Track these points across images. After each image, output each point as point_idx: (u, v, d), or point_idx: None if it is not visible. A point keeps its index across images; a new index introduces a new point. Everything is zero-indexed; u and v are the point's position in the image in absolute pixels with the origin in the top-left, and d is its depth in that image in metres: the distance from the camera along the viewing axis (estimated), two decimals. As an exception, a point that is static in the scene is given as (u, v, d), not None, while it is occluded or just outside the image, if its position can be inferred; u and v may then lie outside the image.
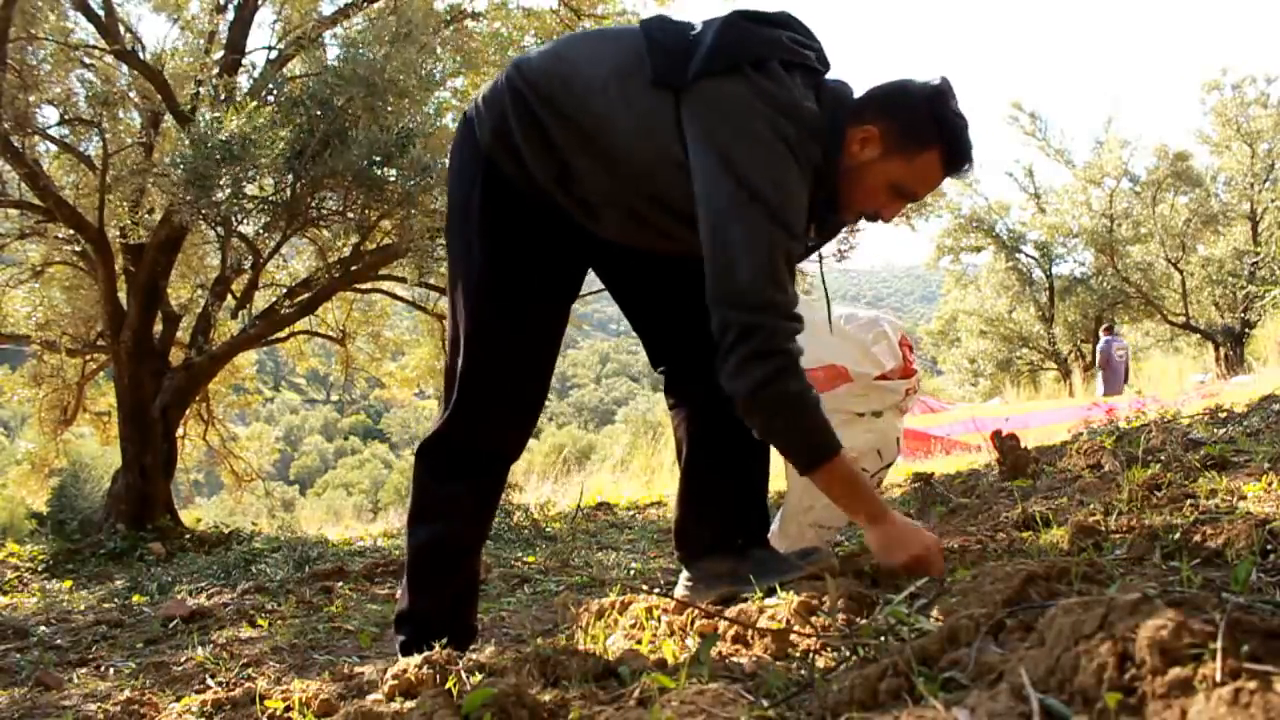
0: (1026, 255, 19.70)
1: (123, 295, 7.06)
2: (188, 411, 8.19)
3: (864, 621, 1.36)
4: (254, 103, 5.52)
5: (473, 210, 1.78)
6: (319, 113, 5.62)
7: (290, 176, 5.68)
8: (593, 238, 1.79)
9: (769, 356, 1.58)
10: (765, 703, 1.09)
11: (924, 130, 1.67)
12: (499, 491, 1.92)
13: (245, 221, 6.23)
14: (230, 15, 7.06)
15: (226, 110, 5.43)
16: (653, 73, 1.64)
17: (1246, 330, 16.91)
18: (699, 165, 1.60)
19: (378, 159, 5.62)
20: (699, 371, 1.81)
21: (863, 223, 2.01)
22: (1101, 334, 14.03)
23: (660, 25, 1.72)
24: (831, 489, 1.71)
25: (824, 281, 1.91)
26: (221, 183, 5.36)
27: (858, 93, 1.75)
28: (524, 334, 1.78)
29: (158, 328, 7.21)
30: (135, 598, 4.13)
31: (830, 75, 1.76)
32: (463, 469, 1.84)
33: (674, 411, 1.97)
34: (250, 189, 5.75)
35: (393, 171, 5.75)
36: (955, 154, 1.69)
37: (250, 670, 2.24)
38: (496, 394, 1.79)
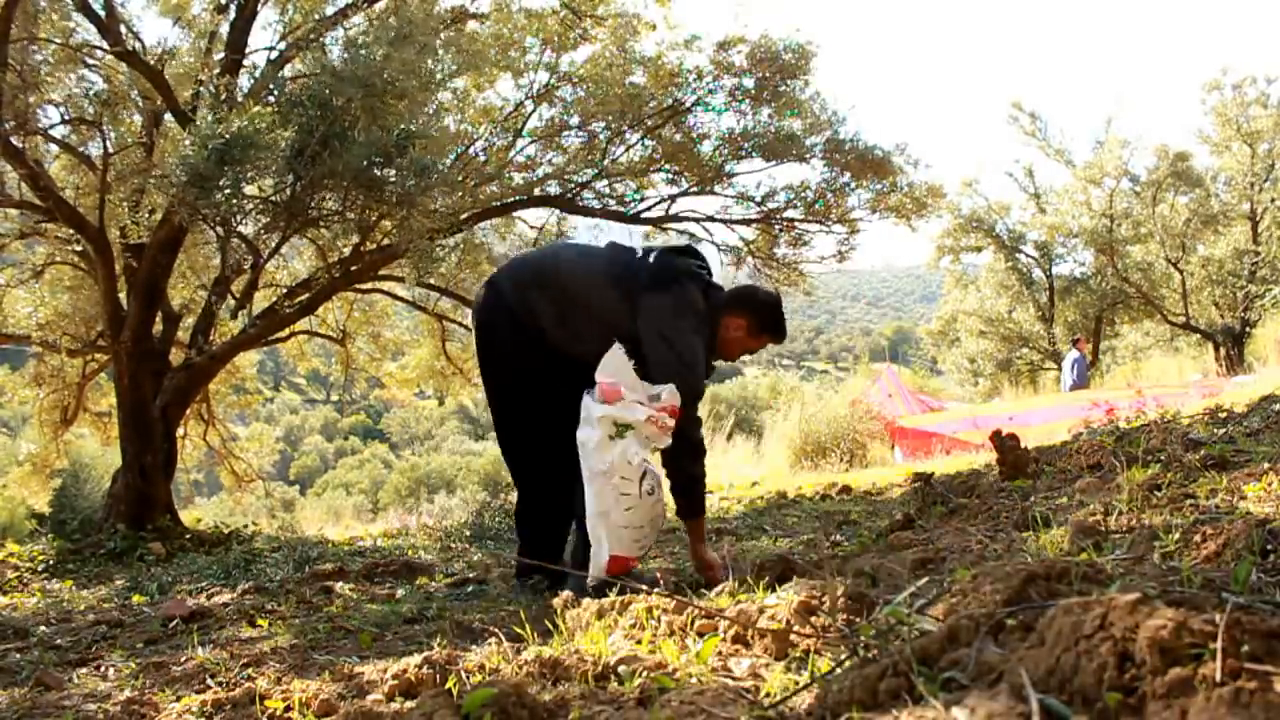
0: (1026, 255, 19.70)
1: (123, 295, 7.06)
2: (188, 411, 8.19)
3: (864, 621, 1.36)
4: (256, 105, 5.52)
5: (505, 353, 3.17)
6: (319, 113, 5.61)
7: (290, 177, 5.68)
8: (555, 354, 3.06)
9: (691, 443, 3.02)
10: (765, 702, 1.09)
11: (770, 326, 3.12)
12: None
13: (245, 222, 6.23)
14: (231, 15, 7.06)
15: (229, 111, 5.43)
16: (615, 285, 3.00)
17: (1246, 330, 16.91)
18: (649, 340, 2.91)
19: (378, 160, 5.61)
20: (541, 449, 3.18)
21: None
22: (1076, 349, 14.24)
23: (627, 250, 3.12)
24: (691, 529, 3.12)
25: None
26: (222, 183, 5.35)
27: (727, 287, 3.16)
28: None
29: (158, 328, 7.20)
30: (135, 598, 4.13)
31: (714, 280, 3.13)
32: None
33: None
34: (250, 189, 5.74)
35: (392, 172, 5.74)
36: (781, 334, 3.17)
37: (250, 670, 2.24)
38: None
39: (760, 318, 3.08)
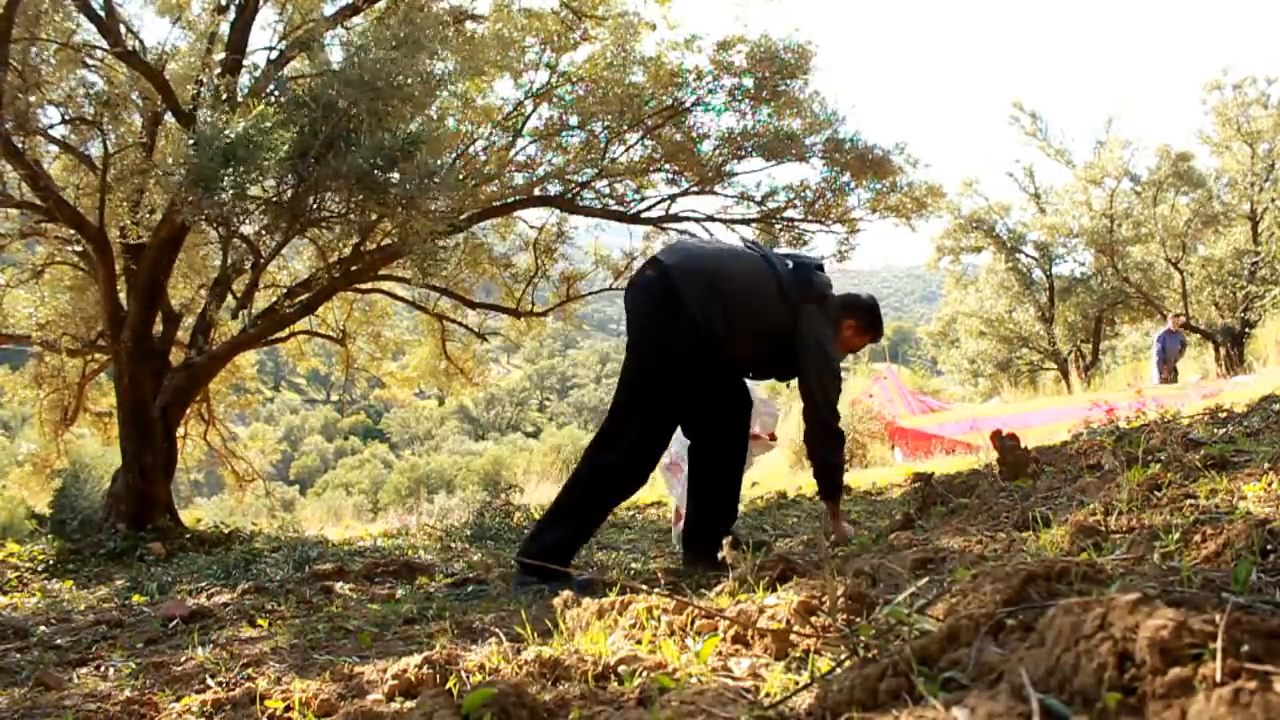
0: (1026, 255, 19.69)
1: (123, 295, 7.06)
2: (188, 411, 8.19)
3: (864, 621, 1.36)
4: (261, 104, 5.51)
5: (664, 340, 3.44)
6: (322, 114, 5.61)
7: (293, 178, 5.68)
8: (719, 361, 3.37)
9: (836, 438, 3.48)
10: (765, 702, 1.09)
11: (874, 325, 3.66)
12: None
13: (247, 222, 6.23)
14: (231, 16, 7.05)
15: (233, 111, 5.43)
16: (780, 296, 3.35)
17: (1246, 330, 16.90)
18: (807, 346, 3.35)
19: (381, 162, 5.61)
20: (712, 443, 3.56)
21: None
22: (1169, 323, 14.27)
23: (778, 260, 3.44)
24: (831, 509, 3.61)
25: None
26: (224, 183, 5.35)
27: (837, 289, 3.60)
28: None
29: (158, 328, 7.20)
30: (135, 598, 4.13)
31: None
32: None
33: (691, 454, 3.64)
34: (253, 190, 5.74)
35: (395, 175, 5.74)
36: (879, 333, 3.70)
37: (250, 670, 2.24)
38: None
39: (868, 320, 3.61)
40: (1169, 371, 13.54)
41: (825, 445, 3.40)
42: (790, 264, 3.43)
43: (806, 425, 3.43)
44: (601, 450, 3.29)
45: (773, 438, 3.78)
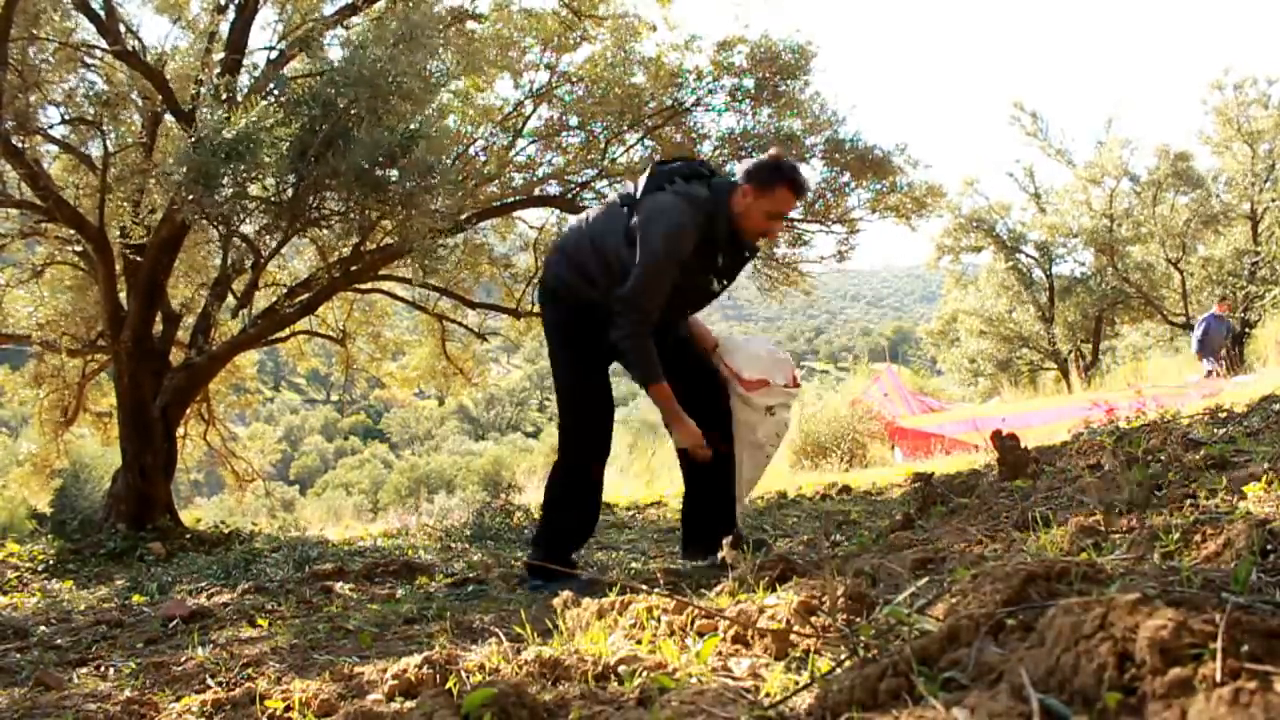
0: (1026, 255, 19.69)
1: (123, 295, 7.05)
2: (188, 411, 8.18)
3: (864, 621, 1.36)
4: (263, 102, 5.51)
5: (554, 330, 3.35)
6: (322, 113, 5.61)
7: (293, 176, 5.67)
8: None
9: (635, 325, 3.05)
10: (765, 702, 1.09)
11: (774, 177, 3.08)
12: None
13: (247, 220, 6.22)
14: (231, 15, 7.05)
15: (236, 110, 5.43)
16: (621, 199, 3.19)
17: (1247, 330, 16.90)
18: (638, 241, 3.07)
19: (381, 160, 5.61)
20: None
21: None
22: (1217, 308, 14.17)
23: (621, 193, 3.26)
24: (656, 401, 3.23)
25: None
26: (225, 182, 5.35)
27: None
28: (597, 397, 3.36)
29: (158, 328, 7.20)
30: (135, 598, 4.13)
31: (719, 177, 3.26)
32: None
33: None
34: (254, 189, 5.74)
35: (394, 173, 5.74)
36: (797, 183, 3.15)
37: (250, 670, 2.24)
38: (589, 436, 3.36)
39: (760, 174, 3.07)
40: (1216, 360, 12.70)
41: (615, 327, 3.06)
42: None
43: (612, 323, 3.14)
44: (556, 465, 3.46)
45: (795, 383, 3.44)
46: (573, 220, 3.55)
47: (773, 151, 3.18)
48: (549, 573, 3.16)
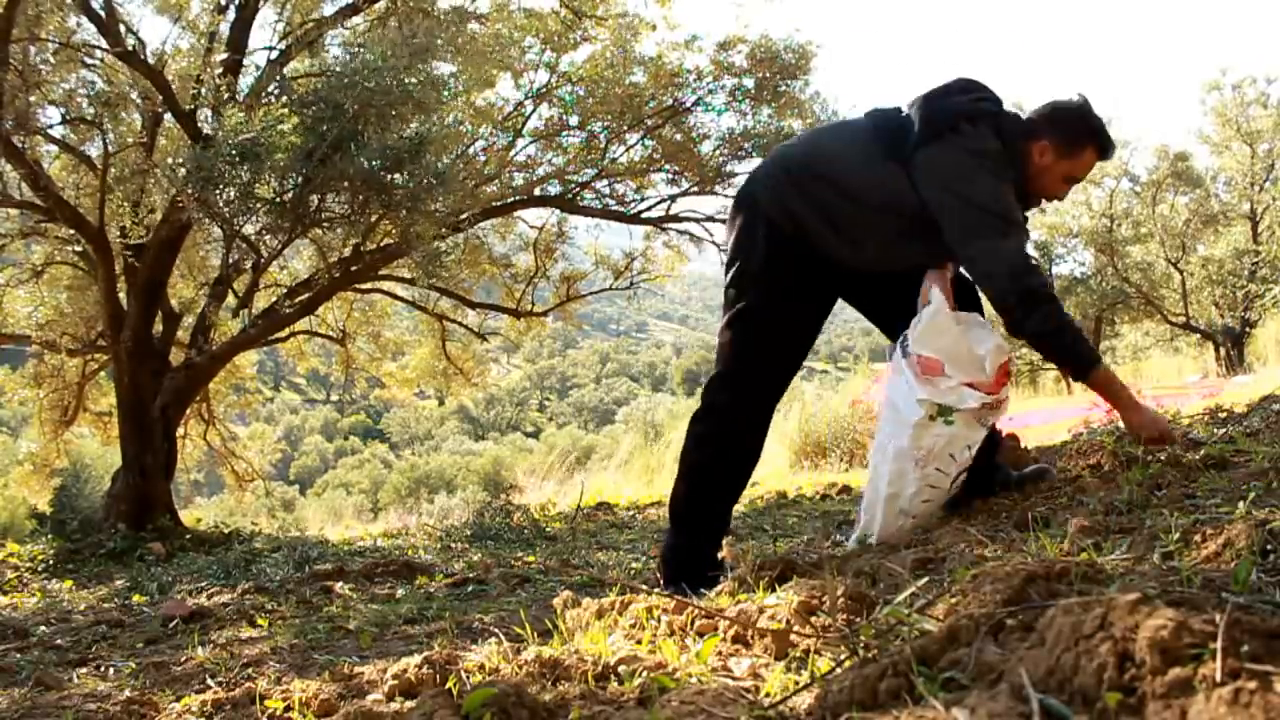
0: (1026, 255, 19.69)
1: (123, 295, 7.06)
2: (188, 411, 8.19)
3: (864, 621, 1.36)
4: (277, 104, 5.53)
5: (751, 257, 2.57)
6: (330, 114, 5.61)
7: (298, 178, 5.68)
8: (840, 273, 2.59)
9: (1041, 303, 2.39)
10: (765, 702, 1.09)
11: (1083, 136, 2.48)
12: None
13: (251, 221, 6.23)
14: (231, 15, 7.06)
15: (249, 112, 5.44)
16: (883, 152, 2.46)
17: (1247, 330, 16.89)
18: (937, 204, 2.40)
19: (388, 163, 5.62)
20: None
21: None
22: None
23: (881, 115, 2.56)
24: (1096, 388, 2.49)
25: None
26: (231, 181, 5.36)
27: (1024, 112, 2.59)
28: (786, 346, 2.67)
29: (158, 328, 7.20)
30: (135, 598, 4.13)
31: (1005, 107, 2.56)
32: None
33: None
34: (260, 189, 5.75)
35: (399, 176, 5.75)
36: (1105, 146, 2.52)
37: (250, 670, 2.24)
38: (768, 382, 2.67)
39: (1067, 129, 2.47)
40: None
41: (1027, 318, 2.38)
42: (907, 109, 2.53)
43: (997, 311, 2.52)
44: (696, 421, 2.65)
45: (1003, 378, 2.48)
46: (797, 142, 2.74)
47: (1078, 95, 2.53)
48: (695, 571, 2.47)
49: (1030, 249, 2.49)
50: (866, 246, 2.52)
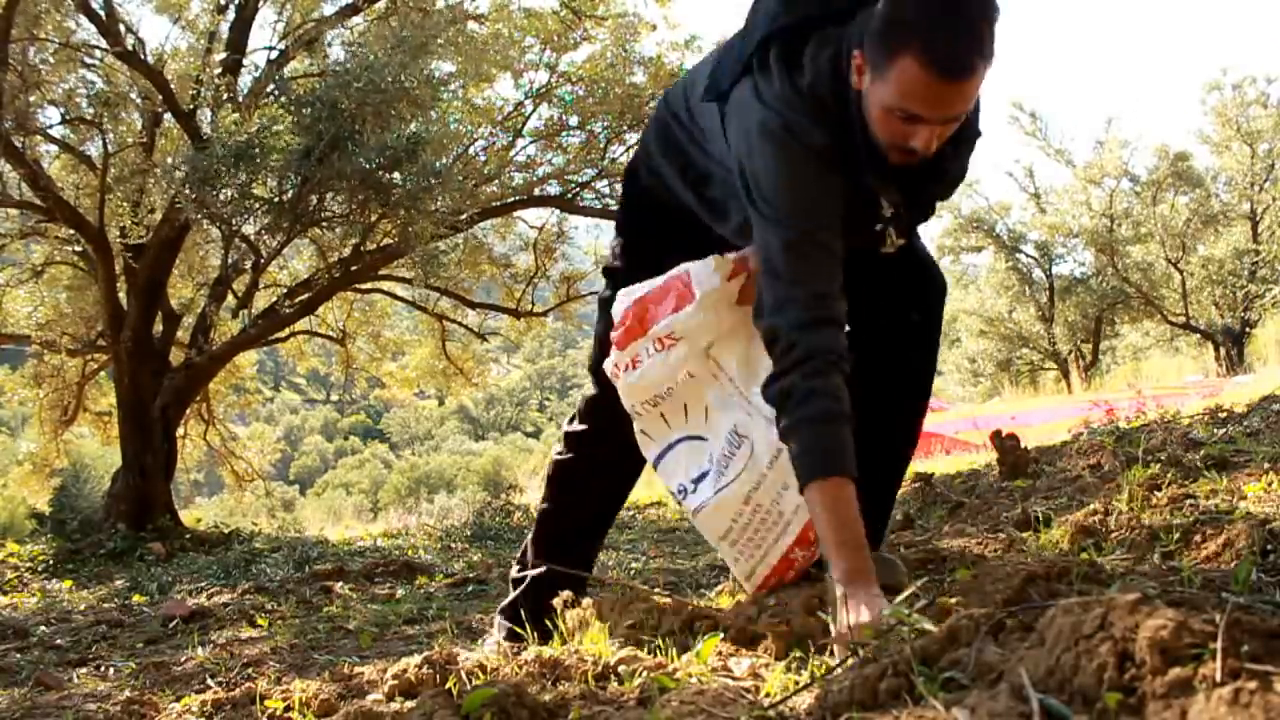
0: (1026, 255, 19.68)
1: (123, 295, 7.06)
2: (188, 411, 8.18)
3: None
4: (273, 105, 5.53)
5: (618, 216, 2.07)
6: (327, 114, 5.62)
7: (296, 178, 5.69)
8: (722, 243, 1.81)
9: (786, 354, 1.53)
10: (765, 702, 1.09)
11: (890, 37, 1.42)
12: None
13: (250, 221, 6.24)
14: (231, 15, 7.06)
15: (249, 112, 5.45)
16: (704, 90, 1.73)
17: (1247, 330, 16.89)
18: (738, 173, 1.64)
19: (385, 162, 5.62)
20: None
21: None
22: None
23: (736, 35, 1.74)
24: (814, 516, 1.52)
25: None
26: (229, 182, 5.37)
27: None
28: None
29: (158, 328, 7.20)
30: (135, 598, 4.13)
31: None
32: None
33: None
34: (257, 189, 5.76)
35: (398, 175, 5.75)
36: (934, 51, 1.38)
37: (250, 670, 2.24)
38: None
39: (874, 28, 1.45)
40: None
41: (772, 402, 1.56)
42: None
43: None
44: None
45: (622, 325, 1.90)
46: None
47: None
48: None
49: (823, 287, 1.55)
50: (729, 212, 1.77)
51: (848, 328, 1.61)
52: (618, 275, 1.93)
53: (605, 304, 1.91)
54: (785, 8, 1.60)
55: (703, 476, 1.74)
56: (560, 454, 2.09)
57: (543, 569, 2.04)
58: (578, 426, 2.05)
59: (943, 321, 1.84)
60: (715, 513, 1.70)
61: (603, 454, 2.00)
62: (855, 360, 1.62)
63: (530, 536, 2.15)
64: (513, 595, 2.12)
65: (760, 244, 1.59)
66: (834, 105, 1.54)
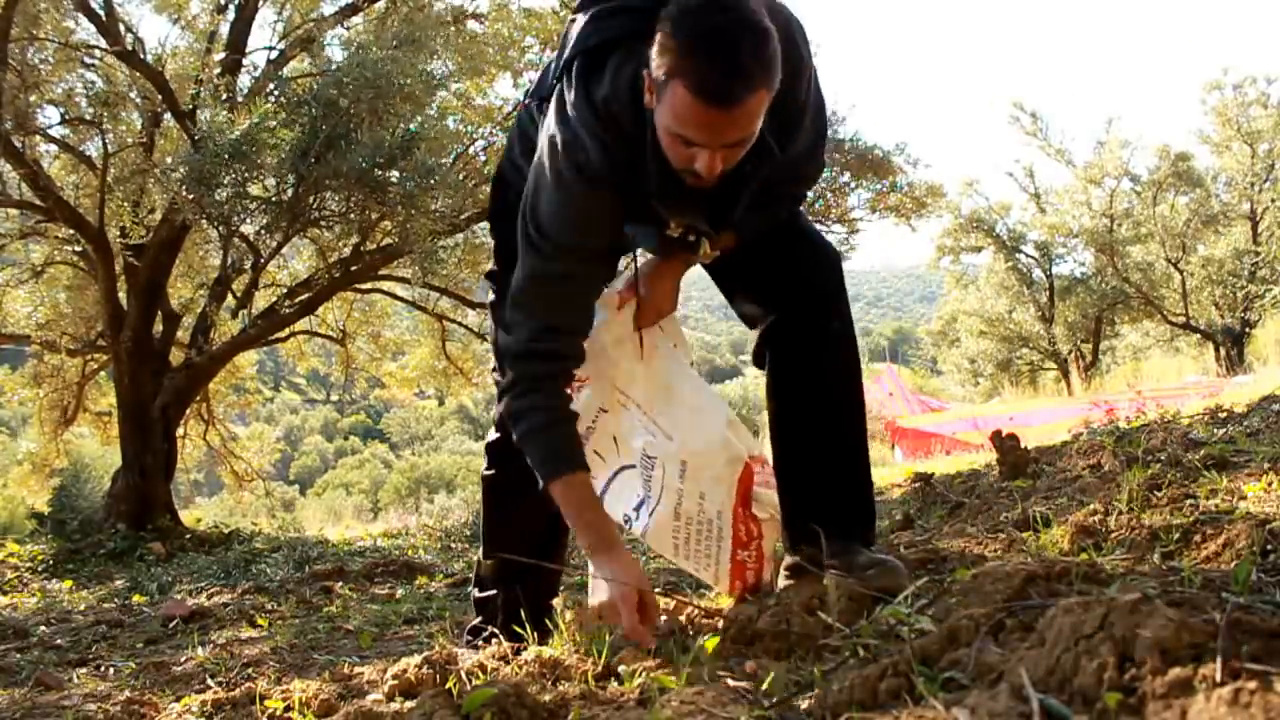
0: (1026, 255, 19.69)
1: (123, 295, 7.06)
2: (188, 411, 8.19)
3: (864, 621, 1.36)
4: (266, 104, 5.53)
5: (491, 221, 2.00)
6: (323, 113, 5.62)
7: (293, 177, 5.69)
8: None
9: (510, 386, 1.68)
10: (765, 703, 1.09)
11: (664, 62, 1.39)
12: None
13: (248, 220, 6.24)
14: (231, 15, 7.06)
15: (239, 110, 5.45)
16: (528, 94, 1.79)
17: (1246, 330, 16.89)
18: None
19: (381, 160, 5.62)
20: (778, 327, 1.79)
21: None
22: None
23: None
24: (561, 506, 1.66)
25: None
26: (225, 182, 5.37)
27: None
28: None
29: (158, 328, 7.21)
30: (135, 598, 4.13)
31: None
32: None
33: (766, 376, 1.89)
34: (254, 189, 5.76)
35: (394, 173, 5.75)
36: (700, 80, 1.35)
37: (250, 670, 2.24)
38: None
39: (660, 51, 1.40)
40: None
41: (504, 420, 1.81)
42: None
43: None
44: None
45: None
46: None
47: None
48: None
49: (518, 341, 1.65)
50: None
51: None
52: (495, 277, 1.93)
53: (492, 308, 1.93)
54: (596, 27, 1.59)
55: (641, 503, 1.79)
56: (486, 469, 2.05)
57: (497, 592, 2.00)
58: (494, 436, 2.01)
59: (845, 288, 1.81)
60: (657, 533, 1.75)
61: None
62: (773, 339, 1.79)
63: (480, 555, 2.08)
64: (475, 621, 2.06)
65: (519, 259, 1.64)
66: (629, 123, 1.54)
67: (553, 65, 1.70)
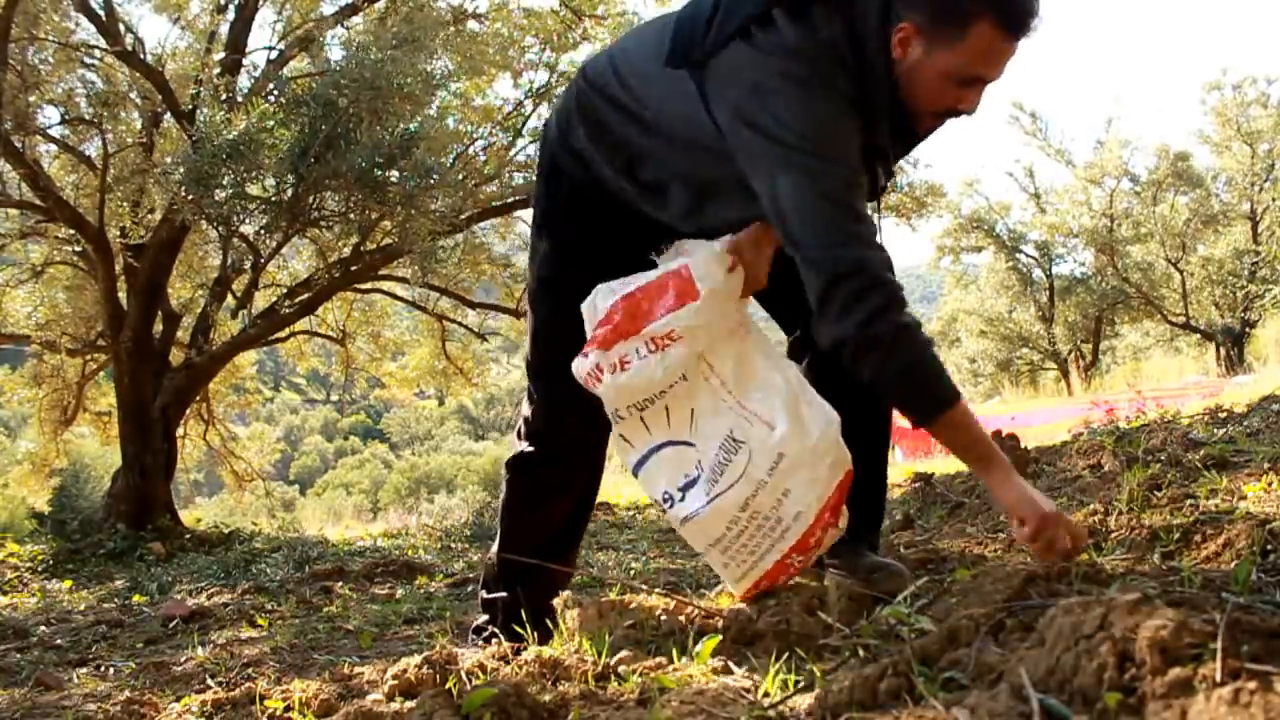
0: (1026, 255, 19.69)
1: (123, 295, 7.06)
2: (188, 411, 8.19)
3: (864, 621, 1.36)
4: (264, 104, 5.53)
5: (537, 211, 1.90)
6: (322, 113, 5.62)
7: (292, 177, 5.69)
8: (660, 234, 1.74)
9: (866, 292, 1.47)
10: (765, 703, 1.09)
11: (960, 5, 1.46)
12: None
13: (247, 221, 6.24)
14: (231, 15, 7.06)
15: (236, 110, 5.45)
16: (667, 57, 1.63)
17: (1247, 330, 16.89)
18: (733, 141, 1.56)
19: (380, 160, 5.62)
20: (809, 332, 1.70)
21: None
22: None
23: (691, 5, 1.66)
24: (954, 441, 1.56)
25: None
26: (224, 182, 5.37)
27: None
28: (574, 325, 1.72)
29: (158, 328, 7.21)
30: (135, 598, 4.13)
31: None
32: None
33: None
34: (253, 189, 5.76)
35: (394, 173, 5.75)
36: (1009, 14, 1.46)
37: (250, 670, 2.24)
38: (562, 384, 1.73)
39: (947, 2, 1.47)
40: None
41: (830, 320, 1.51)
42: None
43: (817, 316, 1.53)
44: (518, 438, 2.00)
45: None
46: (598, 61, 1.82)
47: None
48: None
49: (869, 227, 1.56)
50: (672, 196, 1.70)
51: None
52: (555, 284, 1.83)
53: (547, 325, 1.86)
54: None
55: (690, 484, 1.67)
56: (509, 481, 1.98)
57: (507, 594, 1.98)
58: (523, 448, 1.94)
59: None
60: (708, 520, 1.64)
61: (554, 476, 1.91)
62: (813, 356, 1.75)
63: (494, 558, 2.04)
64: (480, 619, 2.06)
65: (797, 185, 1.50)
66: (853, 64, 1.54)
67: (693, 20, 1.61)
